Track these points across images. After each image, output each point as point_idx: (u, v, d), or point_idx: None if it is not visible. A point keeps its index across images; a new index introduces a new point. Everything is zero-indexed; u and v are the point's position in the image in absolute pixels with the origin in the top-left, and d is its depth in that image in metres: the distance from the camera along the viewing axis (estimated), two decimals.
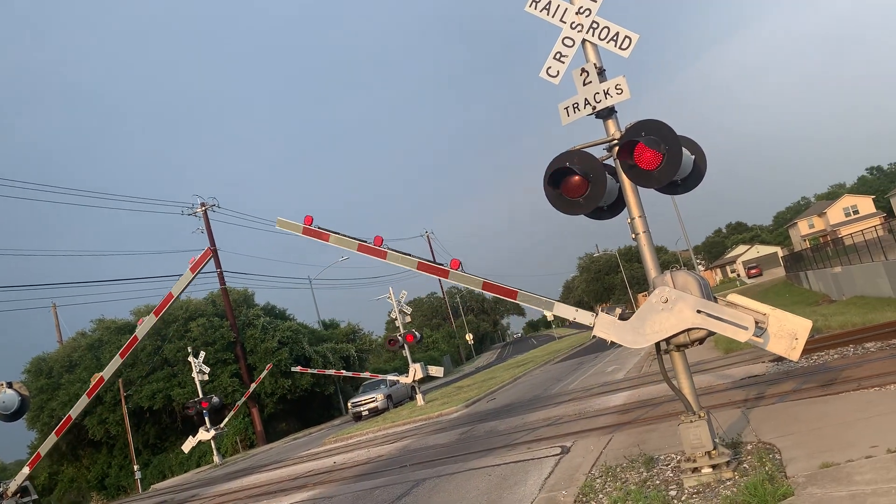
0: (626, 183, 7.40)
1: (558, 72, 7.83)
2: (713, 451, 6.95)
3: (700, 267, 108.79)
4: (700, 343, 7.11)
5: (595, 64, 7.61)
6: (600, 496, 7.58)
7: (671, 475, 7.58)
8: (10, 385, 12.38)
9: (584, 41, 7.70)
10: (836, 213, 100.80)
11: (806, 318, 6.74)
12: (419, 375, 31.45)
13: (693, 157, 7.66)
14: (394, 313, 33.59)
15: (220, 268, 42.63)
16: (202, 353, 33.86)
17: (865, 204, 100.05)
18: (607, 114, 7.57)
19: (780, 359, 13.12)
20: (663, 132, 6.88)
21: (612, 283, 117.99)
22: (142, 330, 12.34)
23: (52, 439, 12.95)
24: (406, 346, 31.86)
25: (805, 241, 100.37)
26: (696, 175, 7.75)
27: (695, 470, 6.99)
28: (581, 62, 7.71)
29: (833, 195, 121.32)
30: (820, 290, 46.88)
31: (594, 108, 7.50)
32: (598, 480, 8.20)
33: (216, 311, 44.06)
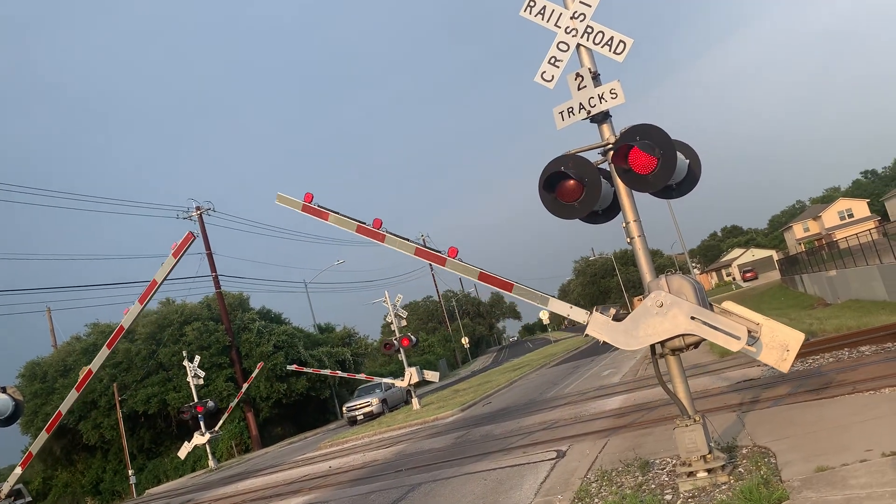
0: (621, 187, 7.42)
1: (553, 76, 7.85)
2: (708, 455, 6.96)
3: (695, 270, 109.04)
4: (695, 347, 7.12)
5: (590, 68, 7.63)
6: (596, 500, 7.57)
7: (667, 479, 7.58)
8: (3, 390, 12.27)
9: (578, 46, 7.72)
10: (830, 217, 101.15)
11: (798, 331, 6.77)
12: (415, 379, 31.41)
13: (688, 161, 7.68)
14: (389, 317, 33.55)
15: (216, 271, 42.54)
16: (197, 358, 33.76)
17: (860, 207, 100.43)
18: (602, 118, 7.58)
19: None
20: (658, 136, 6.90)
21: (607, 286, 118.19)
22: (127, 319, 12.19)
23: (42, 437, 12.84)
24: (402, 349, 31.83)
25: (800, 244, 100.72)
26: (691, 179, 7.76)
27: (690, 474, 7.00)
28: (576, 66, 7.73)
29: (828, 199, 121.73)
30: (815, 294, 46.99)
31: (589, 112, 7.52)
32: (594, 485, 8.19)
33: (211, 315, 43.95)
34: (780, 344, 6.71)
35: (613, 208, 7.87)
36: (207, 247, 42.18)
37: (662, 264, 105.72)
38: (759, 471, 6.84)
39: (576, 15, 7.66)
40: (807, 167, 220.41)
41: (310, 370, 39.50)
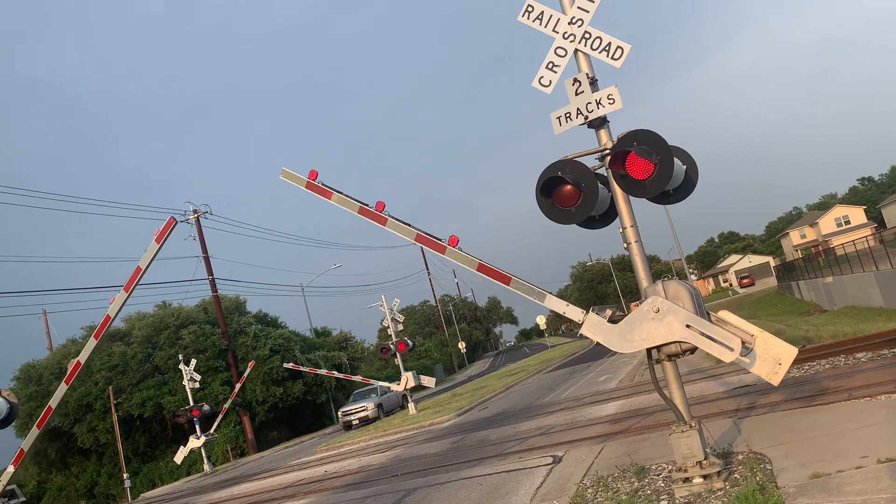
0: (618, 192, 7.42)
1: (550, 81, 7.86)
2: (704, 461, 6.95)
3: (692, 276, 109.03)
4: (691, 353, 7.12)
5: (587, 74, 7.64)
6: None
7: (662, 485, 7.57)
8: None
9: (576, 51, 7.73)
10: (827, 224, 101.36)
11: (791, 346, 6.79)
12: (411, 384, 31.34)
13: (685, 167, 7.69)
14: (386, 321, 33.50)
15: (212, 275, 42.46)
16: (193, 361, 33.67)
17: (857, 214, 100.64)
18: (599, 124, 7.59)
19: None
20: (655, 142, 6.91)
21: (605, 291, 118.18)
22: (113, 308, 12.05)
23: (34, 433, 12.74)
24: (398, 354, 31.77)
25: (797, 251, 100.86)
26: (688, 185, 7.77)
27: (686, 480, 6.99)
28: (573, 72, 7.74)
29: (825, 205, 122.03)
30: (811, 300, 47.05)
31: (586, 118, 7.52)
32: (590, 490, 8.18)
33: (208, 318, 43.87)
34: (772, 357, 6.74)
35: (610, 213, 7.87)
36: (204, 250, 42.09)
37: (659, 270, 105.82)
38: (754, 477, 6.83)
39: (574, 20, 7.68)
40: (804, 174, 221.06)
41: (306, 369, 39.38)
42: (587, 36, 7.62)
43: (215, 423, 34.31)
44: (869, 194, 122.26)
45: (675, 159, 7.21)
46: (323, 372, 39.81)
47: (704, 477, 6.91)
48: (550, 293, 7.94)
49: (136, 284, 11.92)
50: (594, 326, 7.27)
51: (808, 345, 17.45)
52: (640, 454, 9.31)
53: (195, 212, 42.20)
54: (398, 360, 32.36)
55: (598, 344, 7.48)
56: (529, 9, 7.96)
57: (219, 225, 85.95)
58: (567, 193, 7.41)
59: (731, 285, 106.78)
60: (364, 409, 35.12)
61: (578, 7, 7.68)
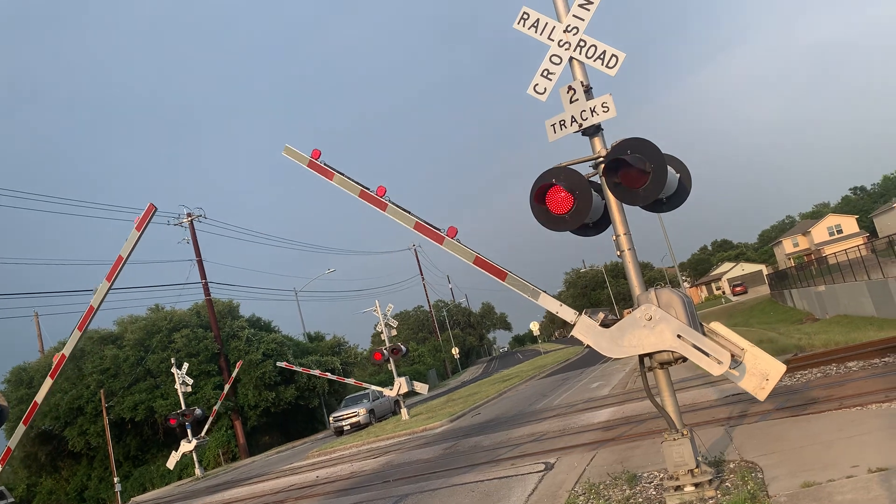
0: (612, 200, 7.44)
1: (545, 89, 7.88)
2: (696, 470, 6.95)
3: (686, 284, 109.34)
4: (683, 361, 7.13)
5: (582, 82, 7.66)
6: None
7: (654, 493, 7.57)
8: None
9: (571, 59, 7.76)
10: (820, 233, 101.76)
11: (780, 362, 6.82)
12: (404, 389, 31.30)
13: (678, 175, 7.71)
14: (380, 326, 33.47)
15: (206, 278, 42.36)
16: (185, 365, 33.57)
17: (849, 223, 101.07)
18: (594, 131, 7.61)
19: None
20: (648, 151, 6.93)
21: (598, 298, 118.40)
22: (96, 298, 11.92)
23: (20, 430, 12.62)
24: (391, 359, 31.73)
25: (790, 259, 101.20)
26: (681, 193, 7.79)
27: (677, 488, 6.99)
28: (568, 79, 7.77)
29: (817, 214, 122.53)
30: (804, 309, 47.23)
31: (581, 125, 7.54)
32: (581, 498, 8.18)
33: (200, 322, 43.73)
34: (761, 372, 6.77)
35: (604, 221, 7.89)
36: (198, 253, 42.00)
37: (653, 277, 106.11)
38: (746, 486, 6.84)
39: (569, 28, 7.70)
40: (797, 183, 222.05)
41: (299, 369, 39.25)
42: (582, 44, 7.65)
43: (206, 426, 34.18)
44: (861, 204, 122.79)
45: (669, 168, 7.24)
46: (316, 373, 39.57)
47: (696, 485, 6.91)
48: (545, 291, 7.92)
49: (119, 274, 11.74)
50: (586, 329, 7.28)
51: (801, 353, 17.50)
52: (632, 462, 9.31)
53: (189, 215, 42.14)
54: (391, 366, 32.31)
55: (590, 351, 7.49)
56: (525, 16, 7.99)
57: (213, 229, 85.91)
58: (561, 200, 7.42)
59: (723, 293, 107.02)
60: (355, 415, 34.99)
61: (574, 15, 7.71)
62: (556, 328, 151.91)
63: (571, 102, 7.59)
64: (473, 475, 11.84)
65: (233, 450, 40.29)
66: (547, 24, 7.85)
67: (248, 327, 45.33)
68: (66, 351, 12.13)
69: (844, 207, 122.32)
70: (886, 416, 8.40)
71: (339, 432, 34.70)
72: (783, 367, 6.79)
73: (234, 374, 38.01)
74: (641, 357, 7.21)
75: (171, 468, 33.14)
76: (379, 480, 14.34)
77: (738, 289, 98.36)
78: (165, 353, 39.67)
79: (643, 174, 6.91)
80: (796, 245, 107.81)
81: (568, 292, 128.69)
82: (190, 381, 32.93)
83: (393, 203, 8.61)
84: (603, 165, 7.30)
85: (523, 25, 7.99)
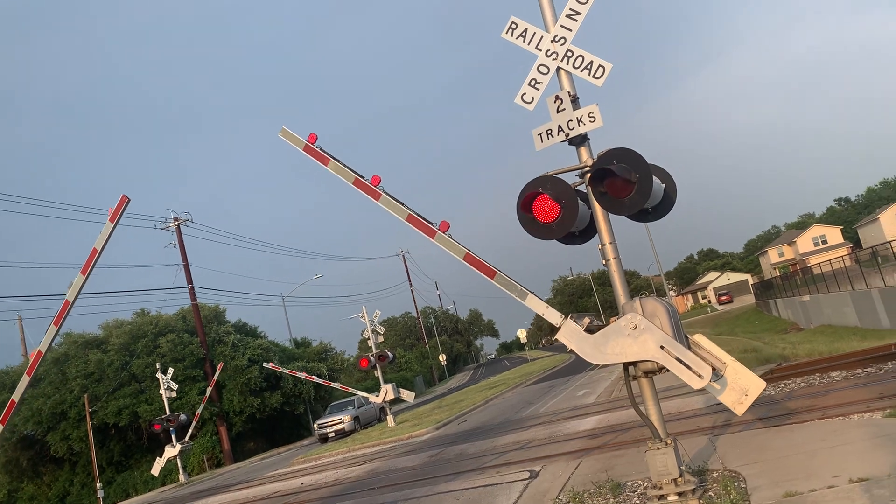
0: (598, 209, 7.48)
1: (533, 98, 7.92)
2: (679, 479, 6.98)
3: (671, 293, 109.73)
4: (668, 371, 7.16)
5: (569, 91, 7.71)
6: None
7: (637, 502, 7.60)
8: None
9: (558, 69, 7.81)
10: (805, 243, 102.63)
11: (760, 379, 6.87)
12: (390, 396, 31.22)
13: (664, 185, 7.77)
14: (367, 332, 33.38)
15: (192, 283, 42.15)
16: (170, 370, 33.32)
17: (833, 234, 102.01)
18: (580, 141, 7.66)
19: None
20: (634, 160, 6.97)
21: (585, 305, 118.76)
22: (72, 292, 11.76)
23: None
24: (378, 366, 31.64)
25: (775, 269, 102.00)
26: (667, 203, 7.85)
27: (661, 497, 7.01)
28: (555, 89, 7.81)
29: (802, 225, 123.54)
30: (789, 318, 47.55)
31: (567, 135, 7.58)
32: None
33: (186, 327, 43.48)
34: (740, 387, 6.81)
35: (590, 230, 7.92)
36: (184, 258, 41.79)
37: (639, 285, 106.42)
38: (728, 495, 6.88)
39: (556, 39, 7.75)
40: (783, 193, 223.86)
41: (285, 371, 39.04)
42: (569, 54, 7.70)
43: (189, 431, 33.93)
44: (845, 215, 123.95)
45: (655, 178, 7.28)
46: (302, 375, 39.29)
47: (679, 494, 6.94)
48: (532, 292, 7.93)
49: (93, 267, 11.56)
50: (570, 333, 7.31)
51: (785, 363, 17.63)
52: (617, 470, 9.34)
53: (176, 219, 41.95)
54: (378, 372, 32.22)
55: (576, 359, 7.52)
56: (513, 26, 8.03)
57: (200, 233, 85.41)
58: (548, 209, 7.45)
59: (709, 302, 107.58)
60: (340, 422, 34.82)
61: (562, 25, 7.76)
62: (543, 335, 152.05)
63: (558, 112, 7.63)
64: (459, 483, 11.82)
65: (217, 456, 40.02)
66: (535, 34, 7.90)
67: (234, 332, 45.11)
68: (43, 347, 11.99)
69: (829, 218, 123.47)
70: (868, 426, 8.47)
71: (324, 439, 34.51)
72: (763, 384, 6.85)
73: (215, 376, 37.77)
74: (626, 366, 7.24)
75: (157, 475, 32.87)
76: (364, 488, 14.30)
77: (723, 298, 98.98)
78: (150, 357, 39.39)
79: (629, 184, 6.95)
80: (782, 255, 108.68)
81: (555, 299, 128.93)
82: (175, 386, 32.67)
83: (387, 193, 8.56)
84: (589, 175, 7.35)
85: (511, 35, 8.04)
